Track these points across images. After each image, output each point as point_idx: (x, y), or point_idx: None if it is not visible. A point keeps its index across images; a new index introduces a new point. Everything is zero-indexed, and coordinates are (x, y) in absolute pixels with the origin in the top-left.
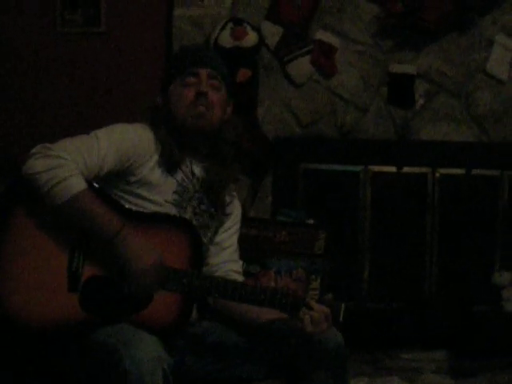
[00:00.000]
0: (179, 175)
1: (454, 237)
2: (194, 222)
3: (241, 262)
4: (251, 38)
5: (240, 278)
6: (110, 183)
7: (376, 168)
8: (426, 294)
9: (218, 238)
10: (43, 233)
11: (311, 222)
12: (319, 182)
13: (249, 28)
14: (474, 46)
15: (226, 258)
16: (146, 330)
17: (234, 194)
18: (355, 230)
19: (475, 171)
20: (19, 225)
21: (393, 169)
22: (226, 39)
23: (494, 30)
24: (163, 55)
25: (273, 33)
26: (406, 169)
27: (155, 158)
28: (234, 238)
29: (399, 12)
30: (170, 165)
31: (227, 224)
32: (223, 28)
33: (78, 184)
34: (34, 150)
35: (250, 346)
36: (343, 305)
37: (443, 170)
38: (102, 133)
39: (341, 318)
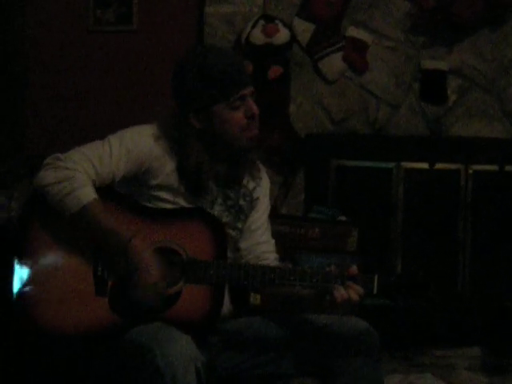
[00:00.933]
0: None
1: (486, 233)
2: (224, 219)
3: (273, 241)
4: (283, 35)
5: (273, 257)
6: (130, 188)
7: (408, 164)
8: (459, 291)
9: (247, 222)
10: (66, 241)
11: (343, 218)
12: (351, 178)
13: (280, 25)
14: (507, 41)
15: (256, 239)
16: (177, 327)
17: (261, 175)
18: (387, 227)
19: (508, 167)
20: (42, 235)
21: (425, 165)
22: (258, 36)
23: None
24: None
25: (304, 29)
26: (438, 165)
27: (173, 162)
28: (263, 218)
29: (431, 8)
30: (196, 189)
31: (256, 207)
32: (254, 25)
33: (87, 195)
34: (45, 162)
35: (287, 340)
36: (376, 276)
37: (476, 167)
38: (114, 138)
39: (375, 291)
